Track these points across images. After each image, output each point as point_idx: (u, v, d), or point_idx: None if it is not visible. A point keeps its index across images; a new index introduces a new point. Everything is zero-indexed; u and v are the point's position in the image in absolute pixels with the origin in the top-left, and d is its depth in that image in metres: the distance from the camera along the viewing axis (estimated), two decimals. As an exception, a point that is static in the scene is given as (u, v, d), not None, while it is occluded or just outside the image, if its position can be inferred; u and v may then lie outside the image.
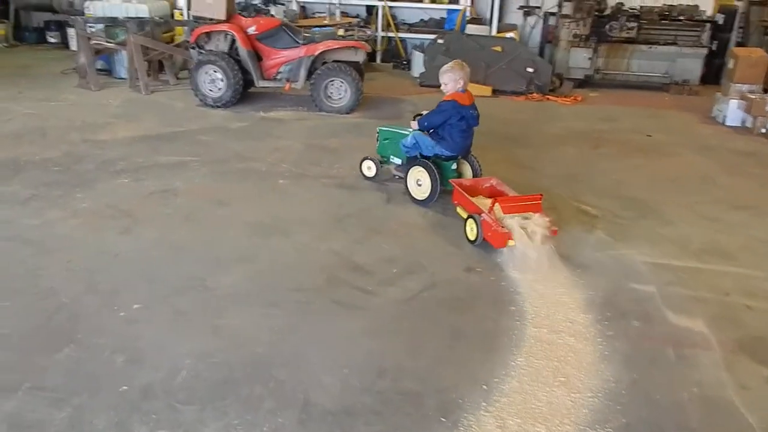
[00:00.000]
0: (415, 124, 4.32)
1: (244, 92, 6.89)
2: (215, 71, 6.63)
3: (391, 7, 9.89)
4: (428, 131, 4.23)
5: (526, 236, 3.44)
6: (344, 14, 9.81)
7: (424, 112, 4.30)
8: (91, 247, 3.44)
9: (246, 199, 4.27)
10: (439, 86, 4.29)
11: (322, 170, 4.87)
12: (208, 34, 6.77)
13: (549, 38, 9.61)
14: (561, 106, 7.81)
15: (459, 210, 3.93)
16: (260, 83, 6.82)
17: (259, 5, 7.20)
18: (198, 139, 5.55)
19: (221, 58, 6.59)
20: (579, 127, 6.73)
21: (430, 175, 4.13)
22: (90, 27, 7.68)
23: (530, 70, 8.12)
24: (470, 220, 3.70)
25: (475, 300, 3.11)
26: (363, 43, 6.84)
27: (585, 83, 8.88)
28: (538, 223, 3.52)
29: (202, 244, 3.56)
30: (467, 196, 3.83)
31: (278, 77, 6.86)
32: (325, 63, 6.70)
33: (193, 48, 6.96)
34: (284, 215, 4.02)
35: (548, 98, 8.04)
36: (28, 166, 4.60)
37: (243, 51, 6.64)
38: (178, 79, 7.91)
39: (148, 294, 2.99)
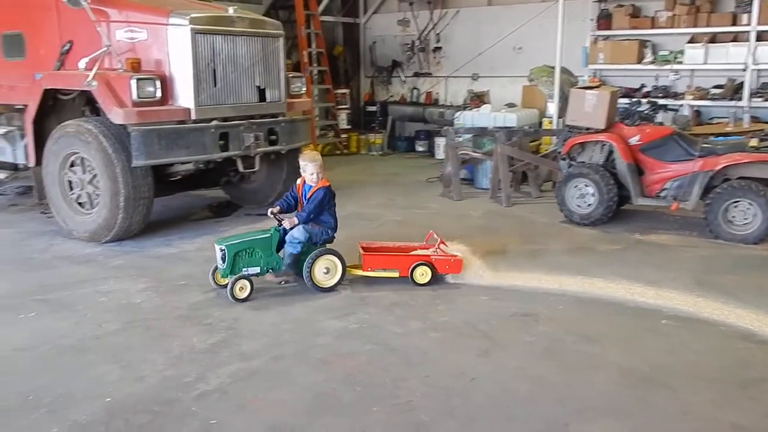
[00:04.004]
0: (292, 221, 4.95)
1: (616, 210, 7.01)
2: (586, 185, 6.94)
3: (825, 109, 8.90)
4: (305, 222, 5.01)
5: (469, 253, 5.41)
6: (755, 119, 9.20)
7: (275, 209, 5.06)
8: (448, 365, 3.84)
9: (618, 338, 4.22)
10: None
11: (719, 313, 4.54)
12: (582, 145, 7.18)
13: None
14: None
15: (377, 273, 5.16)
16: (639, 200, 6.84)
17: (646, 112, 7.35)
18: (560, 260, 5.78)
19: (595, 171, 6.89)
20: None
21: (341, 260, 5.07)
22: (458, 137, 9.00)
23: None
24: (419, 268, 5.12)
25: None
26: (787, 157, 6.29)
27: None
28: (458, 248, 5.42)
29: (565, 383, 3.62)
30: (403, 253, 5.33)
31: (662, 194, 6.79)
32: (727, 179, 6.37)
33: (564, 159, 7.45)
34: (667, 365, 3.82)
35: None
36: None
37: (622, 163, 6.81)
38: (541, 191, 8.52)
39: (505, 430, 3.16)
